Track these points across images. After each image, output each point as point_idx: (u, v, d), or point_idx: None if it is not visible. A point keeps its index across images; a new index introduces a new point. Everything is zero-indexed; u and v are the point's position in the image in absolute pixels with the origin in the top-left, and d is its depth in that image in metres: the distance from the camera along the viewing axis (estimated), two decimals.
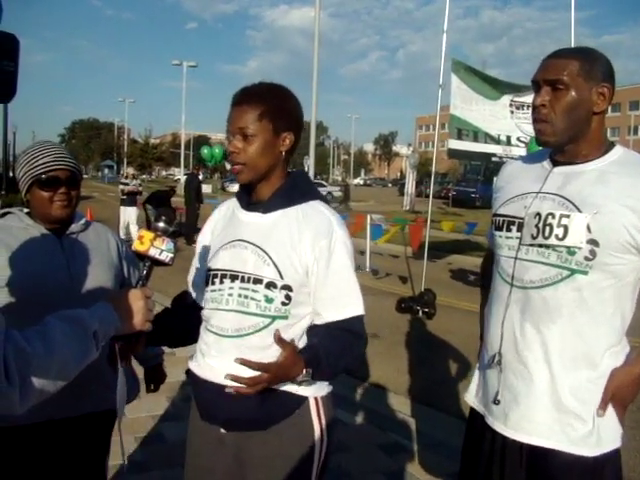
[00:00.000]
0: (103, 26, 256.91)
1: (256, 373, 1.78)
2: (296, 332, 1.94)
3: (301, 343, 1.95)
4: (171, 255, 1.68)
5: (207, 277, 2.02)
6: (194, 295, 2.16)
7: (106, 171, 76.51)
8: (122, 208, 15.98)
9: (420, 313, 8.77)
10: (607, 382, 1.84)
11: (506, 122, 9.23)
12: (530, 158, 2.15)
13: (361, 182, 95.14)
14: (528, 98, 9.10)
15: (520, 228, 1.95)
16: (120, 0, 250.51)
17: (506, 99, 9.17)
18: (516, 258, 1.94)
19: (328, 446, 2.02)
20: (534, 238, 1.89)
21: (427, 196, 9.49)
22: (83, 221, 2.40)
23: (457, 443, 4.22)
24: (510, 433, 1.94)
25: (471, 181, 37.66)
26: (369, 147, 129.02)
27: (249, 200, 2.03)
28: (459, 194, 36.39)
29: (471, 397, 2.17)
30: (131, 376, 2.48)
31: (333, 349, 1.89)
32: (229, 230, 2.04)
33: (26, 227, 2.26)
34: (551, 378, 1.86)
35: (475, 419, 2.12)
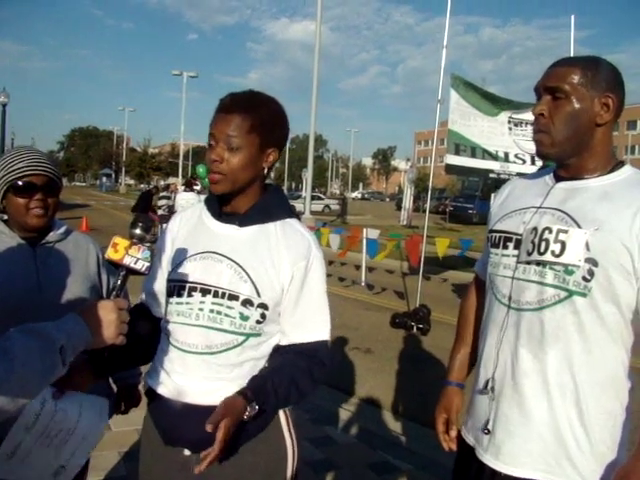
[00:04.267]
0: (104, 35, 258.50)
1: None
2: (267, 349, 1.89)
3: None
4: (147, 264, 1.59)
5: (171, 288, 1.89)
6: (150, 306, 2.01)
7: (104, 179, 76.66)
8: (164, 227, 14.64)
9: (414, 329, 8.68)
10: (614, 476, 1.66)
11: (504, 139, 9.20)
12: (533, 175, 2.03)
13: (359, 196, 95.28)
14: (526, 115, 9.09)
15: (518, 245, 1.83)
16: (121, 10, 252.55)
17: (504, 116, 9.14)
18: (513, 278, 1.83)
19: (298, 461, 1.96)
20: (529, 254, 1.77)
21: (425, 211, 9.43)
22: (62, 230, 2.29)
23: (449, 463, 4.14)
24: (501, 467, 1.80)
25: (469, 197, 37.61)
26: (368, 161, 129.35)
27: (221, 210, 1.92)
28: (456, 210, 36.37)
29: (463, 429, 2.04)
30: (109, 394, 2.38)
31: (286, 382, 1.81)
32: (198, 239, 1.91)
33: None
34: (550, 409, 1.74)
35: (464, 450, 1.99)
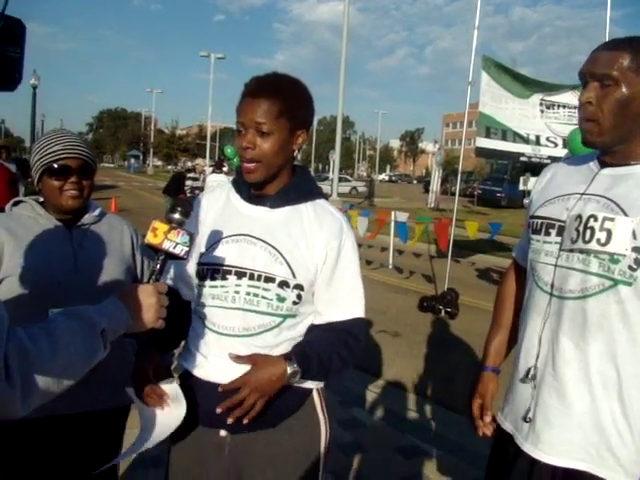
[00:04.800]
0: (132, 16, 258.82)
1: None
2: (302, 329, 1.92)
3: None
4: (186, 249, 1.60)
5: (203, 271, 1.90)
6: (179, 289, 2.02)
7: (132, 161, 77.25)
8: None
9: (442, 313, 8.67)
10: None
11: (536, 121, 9.07)
12: (576, 160, 1.97)
13: (386, 178, 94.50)
14: (559, 97, 8.97)
15: (560, 232, 1.79)
16: None
17: (536, 98, 9.01)
18: (556, 265, 1.79)
19: (331, 439, 2.01)
20: (573, 242, 1.73)
21: (452, 194, 9.38)
22: (97, 212, 2.33)
23: (477, 448, 4.18)
24: (540, 455, 1.78)
25: (497, 180, 37.18)
26: (395, 143, 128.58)
27: (250, 192, 1.93)
28: (485, 193, 35.95)
29: (500, 415, 2.02)
30: None
31: (325, 347, 1.87)
32: (229, 222, 1.92)
33: (36, 217, 2.20)
34: (591, 399, 1.71)
35: (501, 437, 1.97)
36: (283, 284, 1.82)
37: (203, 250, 1.92)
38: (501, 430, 1.98)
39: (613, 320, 1.68)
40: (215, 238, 1.90)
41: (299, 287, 1.84)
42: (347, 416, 4.85)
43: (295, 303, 1.85)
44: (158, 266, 1.61)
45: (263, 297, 1.83)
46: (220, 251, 1.88)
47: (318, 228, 1.87)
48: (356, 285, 1.94)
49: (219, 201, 1.99)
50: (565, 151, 8.74)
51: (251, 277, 1.83)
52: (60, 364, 1.28)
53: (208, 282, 1.89)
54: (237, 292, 1.84)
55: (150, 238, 1.59)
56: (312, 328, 1.94)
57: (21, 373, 1.19)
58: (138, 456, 3.79)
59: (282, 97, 1.80)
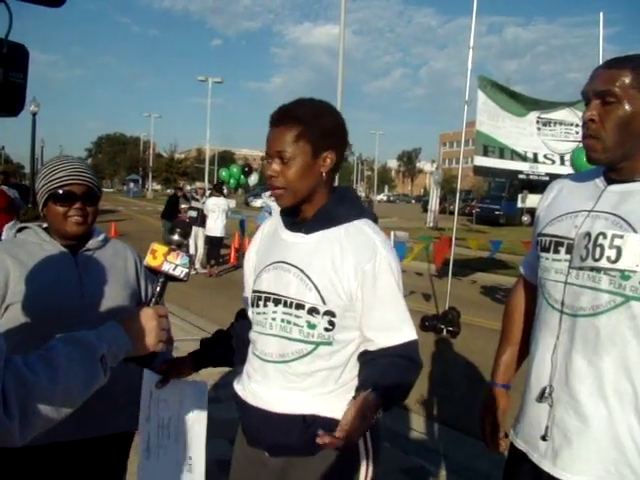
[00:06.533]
0: (130, 43, 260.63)
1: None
2: (341, 359, 1.87)
3: (347, 370, 1.88)
4: (186, 270, 1.59)
5: (253, 299, 1.97)
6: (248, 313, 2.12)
7: (131, 185, 77.36)
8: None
9: (444, 332, 8.63)
10: None
11: (532, 139, 9.13)
12: (581, 176, 1.97)
13: (385, 198, 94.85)
14: (555, 115, 9.03)
15: (569, 250, 1.78)
16: (147, 17, 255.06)
17: (533, 116, 9.07)
18: (566, 283, 1.78)
19: (374, 470, 1.93)
20: (583, 260, 1.72)
21: (451, 213, 9.39)
22: (101, 237, 2.32)
23: (483, 467, 4.14)
24: (560, 473, 1.76)
25: (495, 198, 37.32)
26: (393, 163, 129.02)
27: (292, 219, 1.94)
28: (483, 211, 36.08)
29: (512, 433, 2.00)
30: None
31: (396, 380, 1.78)
32: (272, 250, 1.96)
33: (41, 243, 2.20)
34: (608, 414, 1.69)
35: (515, 455, 1.94)
36: (312, 311, 1.81)
37: (254, 279, 1.99)
38: (514, 448, 1.96)
39: (626, 335, 1.67)
40: (261, 266, 1.96)
41: (330, 314, 1.81)
42: None
43: (327, 330, 1.82)
44: (158, 288, 1.61)
45: (295, 324, 1.84)
46: (263, 279, 1.93)
47: (350, 252, 1.83)
48: (399, 306, 1.87)
49: (270, 231, 2.04)
50: (563, 168, 8.79)
51: (285, 304, 1.86)
52: (59, 392, 1.27)
53: (255, 309, 1.95)
54: (274, 319, 1.88)
55: (149, 260, 1.58)
56: (366, 355, 1.88)
57: (19, 403, 1.17)
58: None
59: (299, 122, 1.80)
